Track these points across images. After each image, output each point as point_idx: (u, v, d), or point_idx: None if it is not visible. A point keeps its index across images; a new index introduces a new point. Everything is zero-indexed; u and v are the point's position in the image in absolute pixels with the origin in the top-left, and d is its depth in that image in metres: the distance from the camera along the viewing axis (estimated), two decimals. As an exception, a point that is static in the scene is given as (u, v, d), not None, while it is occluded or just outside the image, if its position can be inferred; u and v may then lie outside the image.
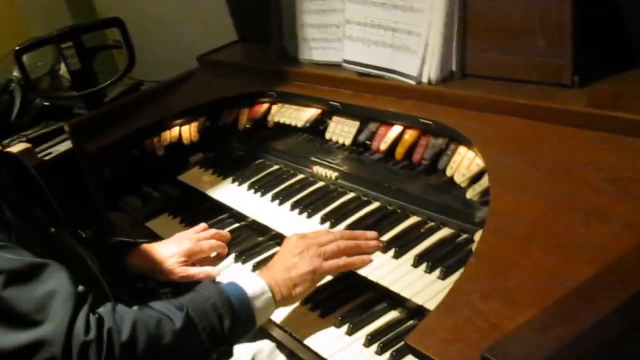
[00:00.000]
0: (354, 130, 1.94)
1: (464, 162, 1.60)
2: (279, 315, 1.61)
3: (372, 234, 1.65)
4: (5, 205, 1.41)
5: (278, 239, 1.90)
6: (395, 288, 1.48)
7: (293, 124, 2.14)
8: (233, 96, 2.40)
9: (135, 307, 1.38)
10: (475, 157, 1.56)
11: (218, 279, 1.83)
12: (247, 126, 2.32)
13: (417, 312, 1.47)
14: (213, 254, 1.94)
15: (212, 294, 1.45)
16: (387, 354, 1.41)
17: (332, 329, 1.54)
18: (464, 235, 1.56)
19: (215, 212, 2.19)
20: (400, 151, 1.78)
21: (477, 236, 1.45)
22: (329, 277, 1.68)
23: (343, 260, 1.59)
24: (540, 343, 0.95)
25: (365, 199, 1.84)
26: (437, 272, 1.46)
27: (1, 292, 1.24)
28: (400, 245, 1.59)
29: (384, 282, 1.51)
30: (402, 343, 1.38)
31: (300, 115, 2.13)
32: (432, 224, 1.65)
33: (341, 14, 2.05)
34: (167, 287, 1.92)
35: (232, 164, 2.33)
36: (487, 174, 1.46)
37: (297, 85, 2.22)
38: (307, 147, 2.15)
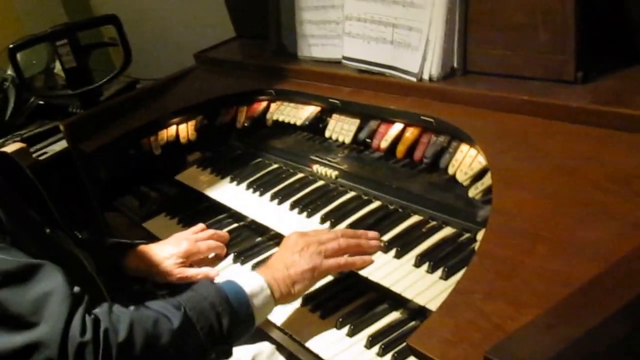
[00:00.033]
0: (354, 128, 1.94)
1: (466, 160, 1.60)
2: (279, 316, 1.61)
3: (373, 233, 1.65)
4: (0, 206, 1.41)
5: (277, 239, 1.90)
6: (396, 289, 1.48)
7: (292, 122, 2.14)
8: (231, 94, 2.40)
9: (131, 307, 1.38)
10: (478, 155, 1.56)
11: (217, 280, 1.83)
12: (246, 124, 2.32)
13: (419, 313, 1.47)
14: (211, 255, 1.94)
15: (210, 293, 1.45)
16: (389, 356, 1.41)
17: (333, 330, 1.54)
18: (467, 235, 1.56)
19: (214, 212, 2.19)
20: (401, 149, 1.78)
21: (480, 235, 1.45)
22: (329, 278, 1.68)
23: (344, 260, 1.59)
24: (545, 344, 0.95)
25: (366, 198, 1.84)
26: (439, 272, 1.46)
27: None
28: (401, 245, 1.59)
29: (385, 283, 1.51)
30: (404, 344, 1.38)
31: (300, 113, 2.13)
32: (434, 223, 1.65)
33: (340, 10, 2.05)
34: (164, 289, 1.92)
35: (230, 163, 2.33)
36: (490, 172, 1.46)
37: (296, 82, 2.22)
38: (306, 145, 2.16)
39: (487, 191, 1.49)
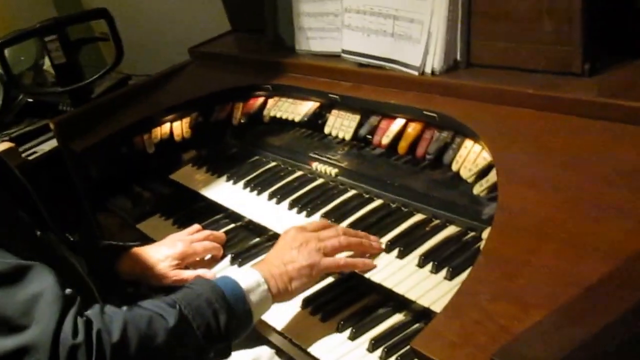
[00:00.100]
0: (354, 124, 1.94)
1: (470, 156, 1.60)
2: (278, 319, 1.61)
3: (374, 238, 1.65)
4: (-11, 208, 1.41)
5: (275, 239, 1.89)
6: (399, 290, 1.48)
7: (290, 118, 2.15)
8: (227, 90, 2.41)
9: (124, 308, 1.38)
10: (482, 150, 1.57)
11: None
12: (242, 121, 2.32)
13: (423, 314, 1.47)
14: (208, 257, 1.95)
15: (205, 289, 1.45)
16: (392, 359, 1.41)
17: (334, 333, 1.54)
18: (472, 233, 1.57)
19: (210, 213, 2.20)
20: (403, 145, 1.79)
21: (485, 234, 1.45)
22: (330, 279, 1.69)
23: (344, 260, 1.60)
24: (552, 345, 0.96)
25: (367, 196, 1.85)
26: (443, 272, 1.47)
27: None
28: (404, 245, 1.59)
29: (388, 284, 1.51)
30: (407, 347, 1.38)
31: (298, 109, 2.14)
32: (438, 221, 1.65)
33: (339, 2, 2.05)
34: (159, 292, 1.92)
35: (226, 161, 2.33)
36: (495, 169, 1.46)
37: (294, 77, 2.22)
38: (305, 142, 2.16)
39: (493, 188, 1.49)
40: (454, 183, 1.65)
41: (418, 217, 1.69)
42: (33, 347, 1.23)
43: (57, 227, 1.77)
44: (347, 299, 1.63)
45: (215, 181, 2.24)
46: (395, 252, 1.59)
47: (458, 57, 1.77)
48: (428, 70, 1.79)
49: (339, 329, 1.54)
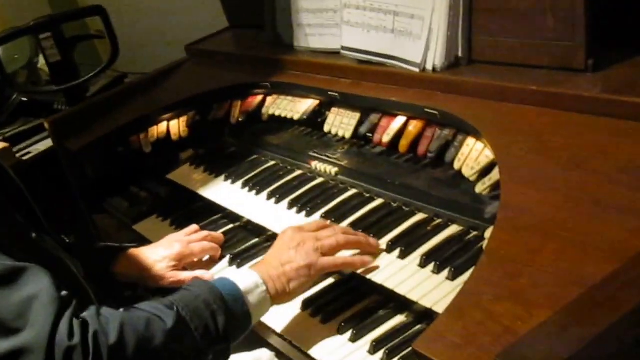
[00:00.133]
0: (354, 122, 1.94)
1: (472, 154, 1.60)
2: (278, 322, 1.61)
3: (373, 240, 1.65)
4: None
5: (275, 240, 1.90)
6: (401, 290, 1.48)
7: (289, 116, 2.15)
8: (224, 88, 2.41)
9: (121, 309, 1.38)
10: (485, 148, 1.57)
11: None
12: (240, 120, 2.32)
13: (425, 315, 1.48)
14: (205, 258, 1.95)
15: (203, 291, 1.45)
16: (394, 361, 1.41)
17: (335, 335, 1.54)
18: (474, 233, 1.57)
19: (208, 213, 2.20)
20: (404, 144, 1.79)
21: (488, 233, 1.45)
22: (330, 280, 1.69)
23: (342, 259, 1.60)
24: (557, 346, 0.96)
25: (368, 195, 1.85)
26: (445, 272, 1.47)
27: None
28: (405, 245, 1.59)
29: (389, 284, 1.52)
30: (409, 349, 1.38)
31: (297, 107, 2.14)
32: (440, 221, 1.65)
33: (338, -2, 2.05)
34: (157, 294, 1.92)
35: (224, 160, 2.33)
36: (498, 167, 1.46)
37: (292, 74, 2.22)
38: (304, 141, 2.16)
39: (495, 186, 1.49)
40: (456, 182, 1.65)
41: (419, 217, 1.69)
42: (28, 349, 1.23)
43: (53, 228, 1.77)
44: (347, 300, 1.63)
45: (213, 181, 2.24)
46: (397, 252, 1.59)
47: (459, 54, 1.77)
48: (429, 66, 1.79)
49: (340, 331, 1.54)
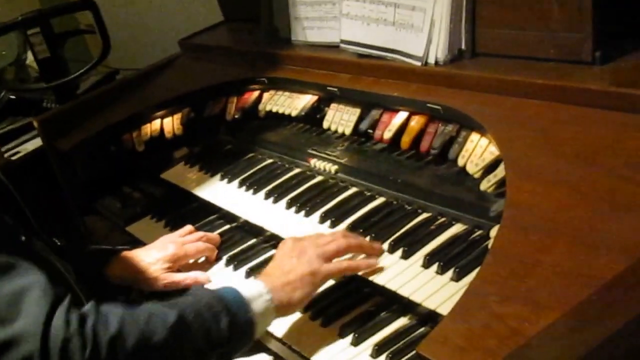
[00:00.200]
0: (354, 118, 1.94)
1: (476, 151, 1.60)
2: (277, 326, 1.61)
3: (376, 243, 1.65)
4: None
5: (273, 240, 1.90)
6: (404, 292, 1.48)
7: (287, 112, 2.15)
8: (220, 84, 2.41)
9: (120, 306, 1.39)
10: (489, 144, 1.57)
11: (208, 286, 1.83)
12: (236, 117, 2.33)
13: (429, 317, 1.48)
14: (201, 259, 1.95)
15: (205, 294, 1.47)
16: (397, 365, 1.42)
17: (336, 339, 1.54)
18: (479, 232, 1.57)
19: (203, 213, 2.20)
20: (406, 140, 1.79)
21: (493, 232, 1.45)
22: (330, 282, 1.68)
23: (346, 263, 1.60)
24: (566, 349, 0.96)
25: (369, 194, 1.85)
26: (449, 273, 1.47)
27: None
28: (408, 245, 1.59)
29: (392, 286, 1.52)
30: (413, 353, 1.38)
31: (295, 103, 2.14)
32: (443, 219, 1.65)
33: (337, -11, 2.05)
34: (151, 298, 1.92)
35: (220, 159, 2.33)
36: (503, 163, 1.46)
37: (290, 69, 2.22)
38: (303, 138, 2.16)
39: (501, 184, 1.49)
40: (460, 179, 1.65)
41: (422, 216, 1.69)
42: (22, 338, 1.24)
43: (43, 231, 1.77)
44: (348, 303, 1.63)
45: (208, 180, 2.24)
46: (399, 252, 1.59)
47: (463, 46, 1.77)
48: (431, 60, 1.79)
49: (341, 334, 1.54)
